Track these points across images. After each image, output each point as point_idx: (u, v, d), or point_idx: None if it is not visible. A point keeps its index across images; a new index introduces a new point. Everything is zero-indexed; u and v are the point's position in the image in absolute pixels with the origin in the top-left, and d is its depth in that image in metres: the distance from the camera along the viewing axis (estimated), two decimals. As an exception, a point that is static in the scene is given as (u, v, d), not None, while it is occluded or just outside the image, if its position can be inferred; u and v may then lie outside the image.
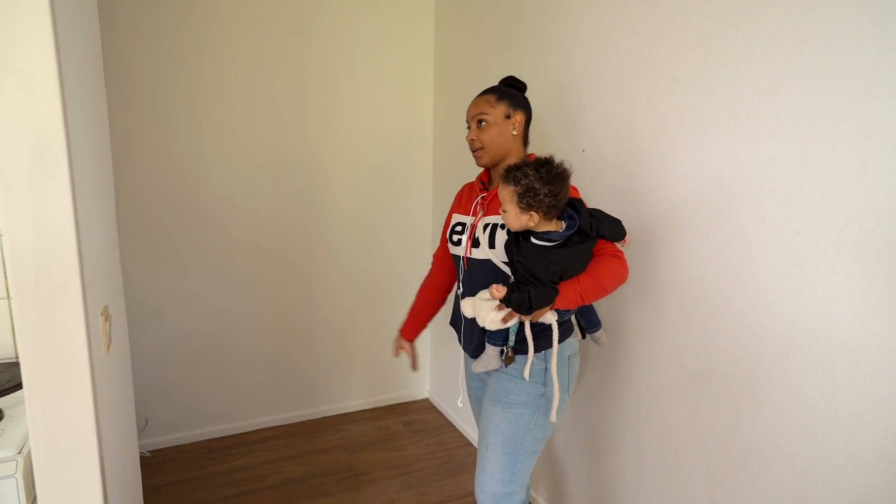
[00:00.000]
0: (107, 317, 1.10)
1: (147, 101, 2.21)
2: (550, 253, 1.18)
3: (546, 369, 1.32)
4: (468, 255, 1.38)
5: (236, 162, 2.40)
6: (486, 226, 1.34)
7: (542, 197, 1.14)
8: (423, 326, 1.71)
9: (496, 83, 1.45)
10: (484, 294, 1.26)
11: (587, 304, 1.24)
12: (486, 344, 1.34)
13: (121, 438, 1.24)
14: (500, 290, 1.19)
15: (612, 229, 1.26)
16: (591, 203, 1.58)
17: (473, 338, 1.43)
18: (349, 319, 2.79)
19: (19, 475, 0.92)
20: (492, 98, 1.35)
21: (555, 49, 1.84)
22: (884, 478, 1.02)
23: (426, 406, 2.98)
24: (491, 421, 1.36)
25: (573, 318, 1.43)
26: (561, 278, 1.20)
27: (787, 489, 1.19)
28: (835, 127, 1.04)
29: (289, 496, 2.15)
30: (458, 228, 1.44)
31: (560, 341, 1.30)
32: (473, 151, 1.40)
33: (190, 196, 2.35)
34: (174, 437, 2.49)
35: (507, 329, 1.29)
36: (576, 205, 1.22)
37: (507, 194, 1.18)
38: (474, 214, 1.41)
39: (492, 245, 1.32)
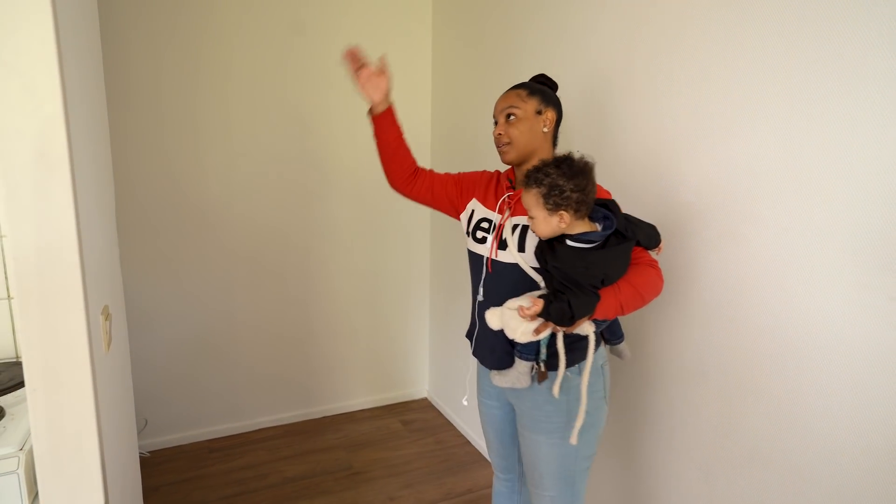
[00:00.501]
0: (107, 316, 1.11)
1: (146, 103, 2.22)
2: (590, 255, 1.09)
3: (580, 384, 1.22)
4: (493, 258, 1.27)
5: (235, 164, 2.42)
6: (514, 227, 1.25)
7: (568, 193, 1.07)
8: (393, 128, 1.38)
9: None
10: (513, 303, 1.15)
11: (625, 314, 1.15)
12: (517, 359, 1.23)
13: (121, 437, 1.25)
14: (536, 304, 1.08)
15: (647, 234, 1.19)
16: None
17: (495, 348, 1.28)
18: (348, 319, 2.81)
19: (21, 471, 0.93)
20: (523, 92, 1.28)
21: (552, 49, 1.86)
22: (870, 468, 1.03)
23: (425, 405, 3.00)
24: (538, 450, 1.28)
25: None
26: (602, 283, 1.12)
27: (785, 486, 1.20)
28: (824, 122, 1.06)
29: (288, 495, 2.16)
30: (484, 225, 1.31)
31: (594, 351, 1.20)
32: (499, 146, 1.30)
33: (189, 198, 2.36)
34: (174, 437, 2.50)
35: (538, 341, 1.19)
36: (609, 206, 1.14)
37: (531, 198, 1.11)
38: (500, 212, 1.30)
39: (521, 248, 1.22)
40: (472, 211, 1.38)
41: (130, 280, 2.21)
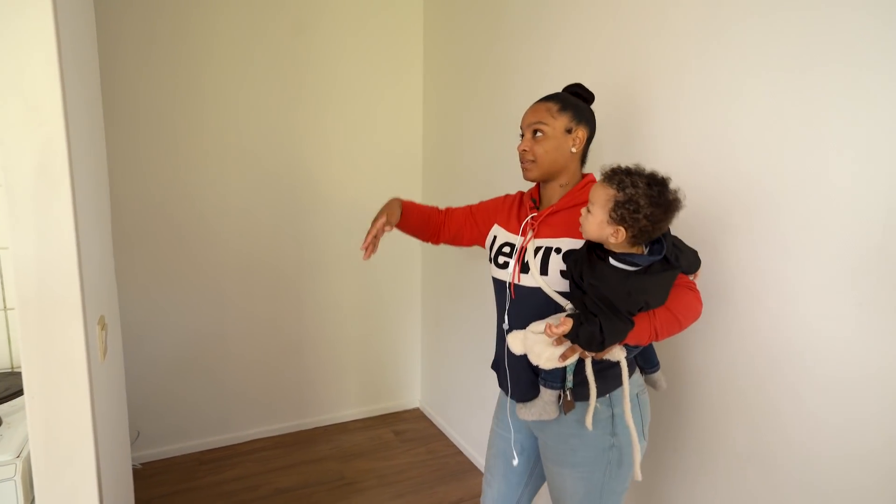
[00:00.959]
0: (103, 326, 1.14)
1: (139, 114, 2.26)
2: (634, 280, 1.00)
3: (614, 416, 1.13)
4: (516, 282, 1.20)
5: (227, 175, 2.45)
6: (537, 249, 1.18)
7: (640, 217, 0.97)
8: (410, 220, 1.43)
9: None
10: (537, 326, 1.08)
11: (659, 340, 1.07)
12: (542, 388, 1.14)
13: (115, 447, 1.27)
14: (565, 323, 0.99)
15: (689, 260, 1.11)
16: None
17: (521, 379, 1.20)
18: (340, 330, 2.83)
19: (18, 478, 0.95)
20: (553, 107, 1.18)
21: (541, 63, 1.91)
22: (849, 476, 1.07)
23: (417, 415, 3.01)
24: (563, 483, 1.20)
25: None
26: (640, 310, 1.03)
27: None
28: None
29: (280, 506, 2.17)
30: (506, 249, 1.25)
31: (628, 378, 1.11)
32: (523, 163, 1.22)
33: (181, 209, 2.39)
34: (165, 449, 2.50)
35: (564, 368, 1.10)
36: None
37: (602, 195, 1.01)
38: (523, 235, 1.23)
39: (544, 271, 1.15)
40: (495, 237, 1.33)
41: (122, 292, 2.23)
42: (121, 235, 2.27)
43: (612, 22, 1.59)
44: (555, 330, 1.00)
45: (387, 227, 1.32)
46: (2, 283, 1.39)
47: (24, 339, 0.89)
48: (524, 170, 1.23)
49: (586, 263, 1.03)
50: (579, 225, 1.08)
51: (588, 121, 1.21)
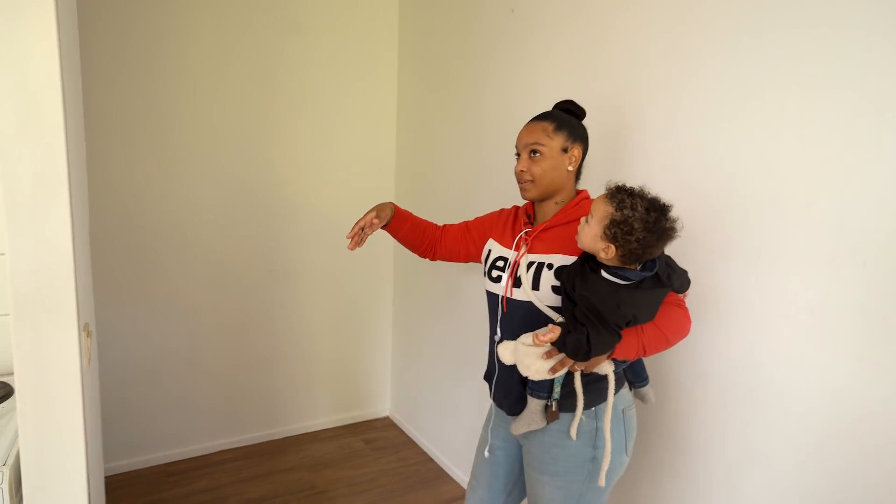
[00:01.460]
0: (88, 333, 1.14)
1: (111, 122, 2.23)
2: (624, 293, 1.02)
3: (598, 429, 1.16)
4: (508, 296, 1.23)
5: (201, 185, 2.43)
6: (529, 264, 1.21)
7: (632, 240, 0.99)
8: (402, 226, 1.44)
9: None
10: (527, 338, 1.10)
11: (647, 356, 1.10)
12: (529, 397, 1.17)
13: (96, 456, 1.26)
14: (553, 331, 1.03)
15: (680, 280, 1.13)
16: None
17: (511, 391, 1.24)
18: (310, 339, 2.83)
19: (5, 486, 0.94)
20: (549, 127, 1.21)
21: (515, 72, 2.00)
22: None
23: (387, 424, 3.03)
24: (542, 490, 1.23)
25: None
26: (628, 324, 1.06)
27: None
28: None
29: (251, 516, 2.16)
30: (500, 264, 1.28)
31: (614, 393, 1.14)
32: (521, 183, 1.25)
33: (153, 218, 2.35)
34: (130, 461, 2.44)
35: (552, 379, 1.13)
36: None
37: (600, 211, 1.03)
38: (516, 249, 1.26)
39: (535, 286, 1.18)
40: (489, 251, 1.35)
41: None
42: (91, 243, 2.22)
43: (586, 33, 1.66)
44: (542, 338, 1.03)
45: (375, 221, 1.34)
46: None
47: (18, 346, 0.90)
48: (523, 190, 1.25)
49: (579, 275, 1.06)
50: (573, 241, 1.12)
51: (583, 138, 1.25)
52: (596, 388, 1.15)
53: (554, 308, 1.17)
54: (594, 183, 1.37)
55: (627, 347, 1.06)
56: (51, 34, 0.88)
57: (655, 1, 1.44)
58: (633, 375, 1.28)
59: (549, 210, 1.27)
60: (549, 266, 1.18)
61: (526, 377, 1.11)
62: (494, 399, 1.33)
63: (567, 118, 1.24)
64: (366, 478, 2.48)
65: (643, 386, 1.29)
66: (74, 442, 0.95)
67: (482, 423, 2.19)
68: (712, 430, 1.35)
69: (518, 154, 1.26)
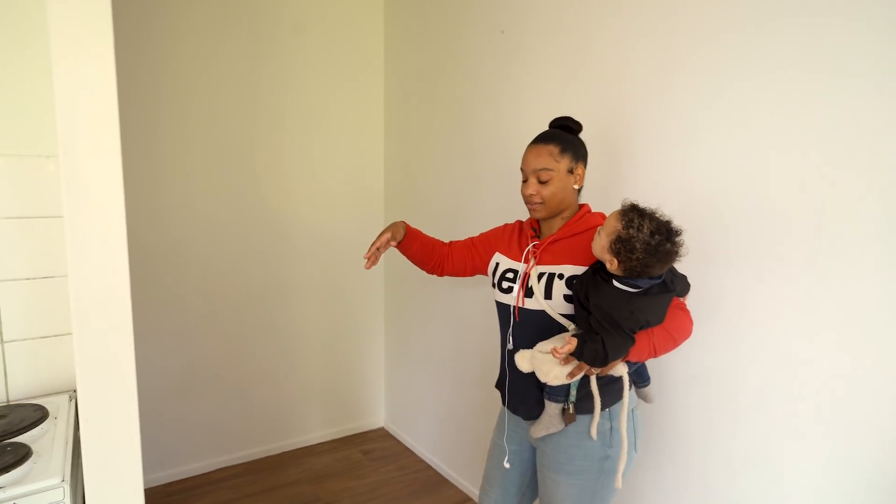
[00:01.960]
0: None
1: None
2: (635, 300, 1.10)
3: (612, 428, 1.24)
4: (520, 306, 1.30)
5: (193, 200, 2.45)
6: (540, 275, 1.28)
7: (632, 258, 1.06)
8: (412, 244, 1.49)
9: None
10: (544, 345, 1.16)
11: (657, 356, 1.17)
12: (546, 402, 1.24)
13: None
14: (570, 343, 1.09)
15: (681, 284, 1.22)
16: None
17: (527, 398, 1.30)
18: (304, 354, 2.86)
19: (68, 501, 0.98)
20: (555, 150, 1.27)
21: (504, 88, 2.09)
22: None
23: (383, 434, 3.08)
24: (556, 489, 1.29)
25: None
26: (641, 328, 1.13)
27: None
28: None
29: (259, 531, 2.17)
30: (509, 275, 1.35)
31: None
32: (531, 205, 1.32)
33: (146, 234, 2.36)
34: (127, 483, 2.41)
35: (569, 383, 1.19)
36: None
37: (610, 225, 1.11)
38: (525, 262, 1.33)
39: (548, 296, 1.24)
40: (497, 264, 1.42)
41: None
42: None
43: (574, 46, 1.76)
44: (561, 351, 1.09)
45: (392, 243, 1.42)
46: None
47: (81, 365, 0.94)
48: (532, 210, 1.33)
49: (592, 284, 1.13)
50: (580, 252, 1.23)
51: (584, 157, 1.32)
52: (610, 390, 1.23)
53: (566, 316, 1.24)
54: (585, 194, 1.45)
55: (640, 349, 1.14)
56: (108, 49, 0.96)
57: (648, 8, 1.53)
58: (637, 377, 1.35)
59: (555, 224, 1.35)
60: (560, 276, 1.25)
61: (544, 383, 1.18)
62: (508, 406, 1.38)
63: (570, 138, 1.31)
64: (368, 487, 2.52)
65: (646, 386, 1.37)
66: (132, 455, 0.99)
67: (476, 427, 2.31)
68: (708, 427, 1.47)
69: (525, 177, 1.32)
